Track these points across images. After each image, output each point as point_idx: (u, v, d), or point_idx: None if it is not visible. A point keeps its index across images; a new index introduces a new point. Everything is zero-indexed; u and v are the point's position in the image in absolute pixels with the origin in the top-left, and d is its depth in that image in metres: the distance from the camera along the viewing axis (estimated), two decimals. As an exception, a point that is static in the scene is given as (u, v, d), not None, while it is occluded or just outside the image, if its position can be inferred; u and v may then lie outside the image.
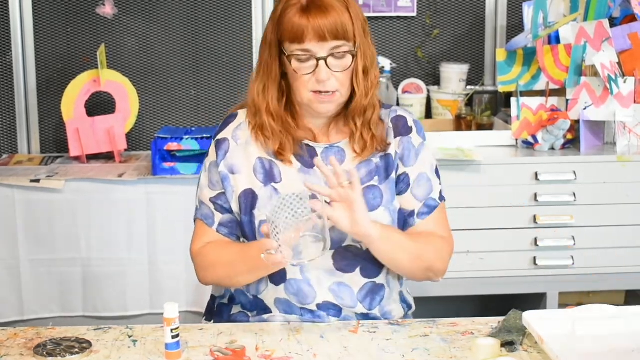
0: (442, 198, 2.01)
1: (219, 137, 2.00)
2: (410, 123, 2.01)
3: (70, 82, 3.46)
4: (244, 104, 2.03)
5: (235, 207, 1.97)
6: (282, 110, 1.95)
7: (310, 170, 1.95)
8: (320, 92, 1.88)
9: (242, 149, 1.97)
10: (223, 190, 1.97)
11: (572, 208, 3.14)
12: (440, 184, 2.01)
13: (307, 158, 1.96)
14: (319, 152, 1.96)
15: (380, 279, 1.96)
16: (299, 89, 1.89)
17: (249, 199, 1.94)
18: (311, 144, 1.97)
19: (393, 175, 1.97)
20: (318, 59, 1.85)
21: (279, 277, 1.93)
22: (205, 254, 1.98)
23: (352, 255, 1.93)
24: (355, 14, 1.88)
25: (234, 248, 1.95)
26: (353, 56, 1.88)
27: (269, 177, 1.94)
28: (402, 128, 1.99)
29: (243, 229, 1.96)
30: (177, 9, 3.62)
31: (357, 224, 1.82)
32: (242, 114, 2.01)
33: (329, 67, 1.86)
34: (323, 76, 1.85)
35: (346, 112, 1.96)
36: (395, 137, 1.98)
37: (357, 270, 1.93)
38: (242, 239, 1.99)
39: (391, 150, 1.97)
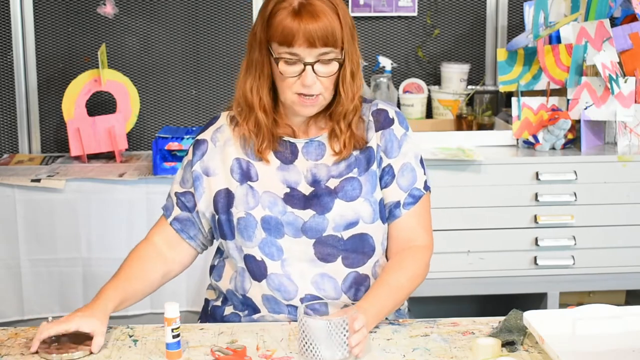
0: (427, 188, 2.01)
1: (198, 137, 2.03)
2: (392, 115, 2.01)
3: (71, 81, 3.46)
4: (231, 106, 2.05)
5: (204, 207, 1.99)
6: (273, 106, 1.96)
7: (290, 166, 1.96)
8: (304, 95, 1.89)
9: (219, 150, 1.99)
10: (191, 190, 2.00)
11: (573, 208, 3.14)
12: (425, 173, 2.02)
13: (287, 154, 1.97)
14: (300, 147, 1.98)
15: (364, 270, 1.97)
16: (283, 90, 1.90)
17: (225, 198, 1.96)
18: (291, 140, 1.98)
19: (374, 168, 1.97)
20: (305, 64, 1.86)
21: (260, 273, 1.94)
22: (129, 257, 2.02)
23: (332, 245, 1.94)
24: (345, 20, 1.88)
25: (123, 264, 2.01)
26: (339, 63, 1.89)
27: (245, 176, 1.96)
28: (383, 121, 2.00)
29: (222, 227, 1.97)
30: (178, 8, 3.62)
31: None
32: (223, 117, 2.03)
33: (315, 72, 1.87)
34: (309, 81, 1.86)
35: (327, 112, 1.97)
36: (376, 130, 1.99)
37: (339, 259, 1.94)
38: (221, 240, 2.01)
39: (372, 144, 1.98)
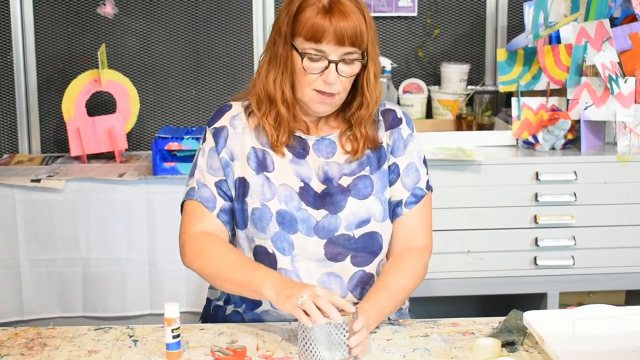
0: (429, 187, 2.04)
1: (216, 125, 1.99)
2: (400, 115, 2.04)
3: (71, 81, 3.46)
4: (239, 97, 2.05)
5: (233, 192, 1.97)
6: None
7: (302, 160, 1.97)
8: (323, 92, 1.90)
9: (239, 137, 1.98)
10: (224, 177, 1.97)
11: (573, 208, 3.14)
12: (427, 173, 2.05)
13: (298, 149, 1.98)
14: (311, 144, 1.99)
15: (370, 269, 1.98)
16: (302, 86, 1.91)
17: (241, 187, 1.96)
18: (303, 136, 1.99)
19: (385, 167, 2.00)
20: (330, 61, 1.87)
21: (269, 266, 1.93)
22: (206, 241, 1.93)
23: (343, 245, 1.95)
24: (369, 22, 1.90)
25: (242, 257, 1.92)
26: (362, 64, 1.91)
27: (262, 166, 1.96)
28: (392, 121, 2.03)
29: (235, 216, 1.97)
30: (177, 8, 3.62)
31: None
32: (236, 106, 2.02)
33: (337, 71, 1.88)
34: (331, 79, 1.87)
35: (339, 112, 1.99)
36: (386, 130, 2.02)
37: (348, 258, 1.95)
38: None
39: (383, 142, 2.01)
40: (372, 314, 1.84)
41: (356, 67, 1.90)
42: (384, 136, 2.01)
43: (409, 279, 1.95)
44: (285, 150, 1.97)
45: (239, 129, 1.99)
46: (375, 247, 1.97)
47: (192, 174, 2.01)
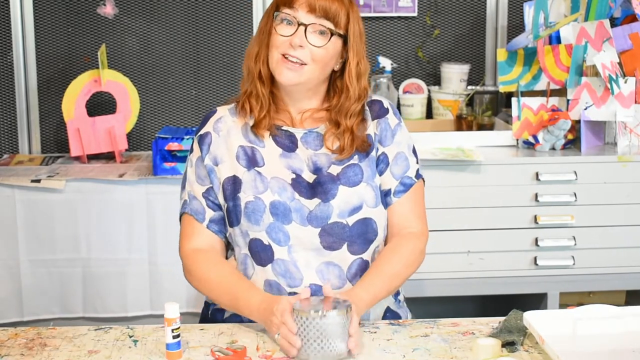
0: (418, 176, 2.07)
1: (201, 132, 2.04)
2: (386, 105, 2.08)
3: (71, 82, 3.46)
4: (229, 101, 2.10)
5: (221, 198, 2.00)
6: (271, 77, 2.00)
7: (292, 154, 2.00)
8: (289, 57, 1.93)
9: (223, 140, 2.02)
10: (211, 185, 2.01)
11: (573, 208, 3.14)
12: (417, 162, 2.07)
13: (287, 143, 2.01)
14: (299, 137, 2.01)
15: (366, 256, 1.99)
16: (272, 51, 1.96)
17: (232, 185, 1.98)
18: (290, 129, 2.01)
19: (373, 154, 2.02)
20: (299, 24, 1.92)
21: (266, 258, 1.95)
22: (198, 263, 1.99)
23: (338, 233, 1.95)
24: (354, 13, 1.97)
25: (229, 275, 1.96)
26: (338, 36, 1.95)
27: (252, 162, 1.99)
28: (378, 111, 2.06)
29: (229, 214, 1.98)
30: (178, 9, 3.62)
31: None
32: (221, 110, 2.07)
33: (307, 38, 1.92)
34: (297, 40, 1.92)
35: (324, 105, 2.04)
36: (372, 119, 2.05)
37: (344, 247, 1.96)
38: (229, 229, 2.01)
39: (370, 131, 2.03)
40: (366, 299, 1.87)
41: (331, 43, 1.94)
42: (371, 125, 2.04)
43: (403, 264, 1.98)
44: (272, 143, 2.00)
45: (224, 131, 2.02)
46: (370, 233, 1.98)
47: (183, 186, 2.06)
